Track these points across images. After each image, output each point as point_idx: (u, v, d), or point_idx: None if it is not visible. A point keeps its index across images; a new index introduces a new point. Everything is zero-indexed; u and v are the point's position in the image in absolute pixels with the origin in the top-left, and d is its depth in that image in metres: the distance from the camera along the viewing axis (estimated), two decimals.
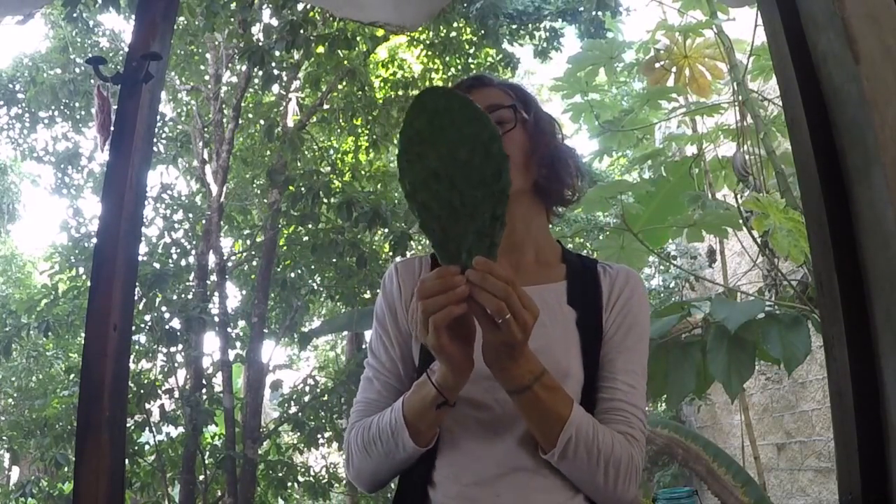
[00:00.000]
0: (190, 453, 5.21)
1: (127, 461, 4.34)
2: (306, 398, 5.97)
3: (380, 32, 5.40)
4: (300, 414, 5.83)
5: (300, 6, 4.94)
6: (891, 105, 0.99)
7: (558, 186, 1.19)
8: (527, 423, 1.02)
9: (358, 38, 5.57)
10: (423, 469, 1.08)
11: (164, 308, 5.33)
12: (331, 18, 5.29)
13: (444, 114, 0.90)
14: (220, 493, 5.58)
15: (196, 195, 6.58)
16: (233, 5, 5.07)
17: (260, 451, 5.67)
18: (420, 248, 6.53)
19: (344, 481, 6.22)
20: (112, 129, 1.48)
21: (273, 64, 5.19)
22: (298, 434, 5.88)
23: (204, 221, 5.87)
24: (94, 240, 2.36)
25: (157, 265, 5.36)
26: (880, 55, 1.01)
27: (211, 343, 8.32)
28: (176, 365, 5.56)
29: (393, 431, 1.05)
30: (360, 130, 6.34)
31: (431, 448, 1.07)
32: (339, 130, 6.62)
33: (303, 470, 5.94)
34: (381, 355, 1.17)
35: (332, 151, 6.95)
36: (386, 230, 5.52)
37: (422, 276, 1.14)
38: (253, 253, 6.50)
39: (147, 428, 5.25)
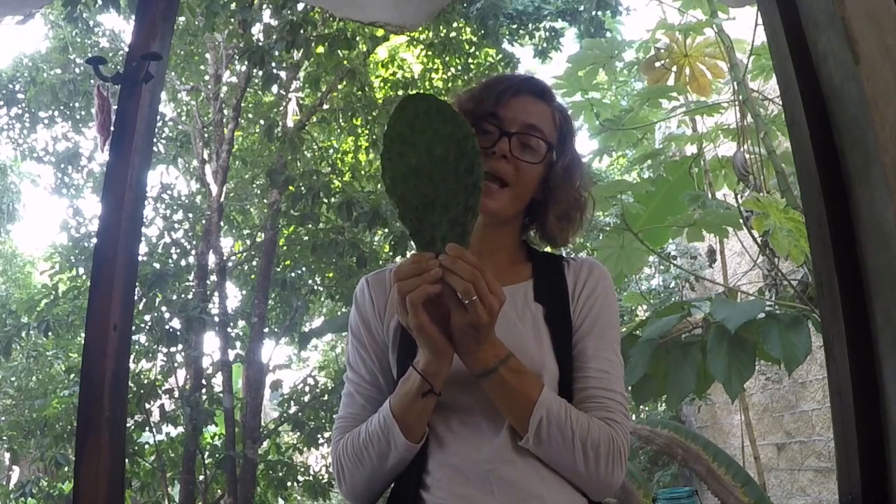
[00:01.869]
0: (190, 453, 5.22)
1: (127, 461, 4.34)
2: (306, 398, 5.97)
3: (380, 32, 5.39)
4: (300, 414, 5.83)
5: (300, 6, 4.94)
6: (891, 105, 0.99)
7: (560, 234, 1.22)
8: (500, 409, 1.04)
9: (358, 38, 5.56)
10: (415, 474, 1.08)
11: (164, 308, 5.32)
12: (331, 18, 5.29)
13: (423, 117, 0.97)
14: (220, 493, 5.58)
15: (196, 195, 6.58)
16: (233, 5, 5.06)
17: (260, 451, 5.67)
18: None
19: None
20: (112, 129, 1.48)
21: (273, 64, 5.19)
22: (298, 434, 5.88)
23: (204, 221, 5.87)
24: (94, 240, 2.36)
25: (157, 265, 5.35)
26: (880, 55, 1.01)
27: (211, 343, 8.31)
28: (176, 365, 5.56)
29: (383, 431, 1.05)
30: (360, 130, 6.34)
31: (422, 453, 1.08)
32: (339, 130, 6.62)
33: (303, 470, 5.94)
34: (359, 369, 1.18)
35: (332, 151, 6.95)
36: (386, 230, 5.52)
37: None
38: (253, 253, 6.51)
39: (147, 428, 5.25)
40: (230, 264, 6.32)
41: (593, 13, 6.32)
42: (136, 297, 2.11)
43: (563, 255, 1.26)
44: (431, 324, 0.97)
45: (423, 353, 1.01)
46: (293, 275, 6.09)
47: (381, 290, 1.20)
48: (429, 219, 0.97)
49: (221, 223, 5.98)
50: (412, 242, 0.99)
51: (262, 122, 6.17)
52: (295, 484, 5.84)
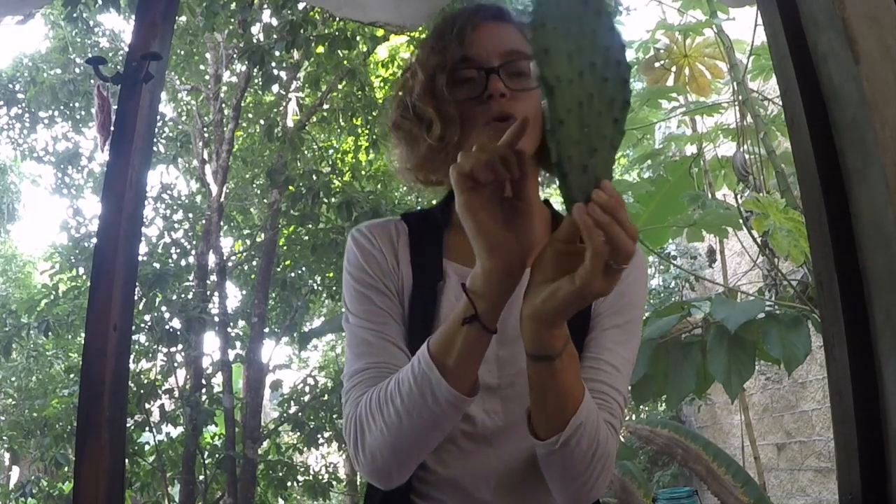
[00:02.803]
0: (190, 453, 5.22)
1: (127, 461, 4.34)
2: (306, 398, 5.98)
3: (380, 32, 5.39)
4: (300, 414, 5.83)
5: (300, 6, 4.94)
6: (891, 105, 0.99)
7: None
8: (537, 401, 0.83)
9: (358, 38, 5.57)
10: (409, 481, 0.93)
11: (164, 308, 5.33)
12: (331, 18, 5.29)
13: (579, 8, 0.73)
14: (220, 493, 5.59)
15: (196, 195, 6.59)
16: (233, 5, 5.07)
17: (260, 451, 5.68)
18: None
19: (344, 482, 6.21)
20: (112, 129, 1.48)
21: (273, 64, 5.19)
22: (298, 434, 5.88)
23: (204, 221, 5.88)
24: (94, 240, 2.37)
25: (157, 265, 5.36)
26: (880, 55, 1.01)
27: (211, 343, 8.32)
28: (176, 365, 5.57)
29: (417, 377, 0.81)
30: (360, 130, 6.34)
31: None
32: (339, 130, 6.63)
33: (303, 470, 5.95)
34: (374, 315, 0.94)
35: (332, 151, 6.95)
36: None
37: (401, 242, 0.99)
38: (253, 253, 6.51)
39: (147, 428, 5.26)
40: (230, 264, 6.32)
41: None
42: (136, 297, 2.11)
43: None
44: (485, 207, 0.76)
45: (478, 262, 0.78)
46: (293, 275, 6.10)
47: (388, 243, 1.00)
48: (580, 131, 0.71)
49: (221, 223, 5.99)
50: (554, 151, 0.71)
51: (262, 122, 6.18)
52: (295, 484, 5.84)
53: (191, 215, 5.97)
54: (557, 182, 0.71)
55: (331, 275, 6.07)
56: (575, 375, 0.83)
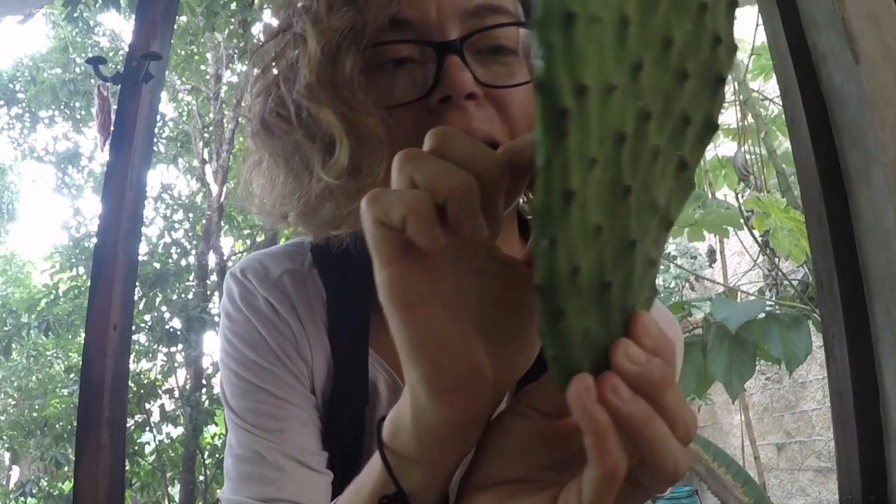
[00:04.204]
0: (190, 453, 5.22)
1: (127, 461, 4.35)
2: None
3: None
4: None
5: None
6: (891, 105, 0.99)
7: None
8: None
9: None
10: None
11: (164, 308, 5.34)
12: None
13: None
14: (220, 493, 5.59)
15: (196, 195, 6.59)
16: (233, 5, 5.07)
17: None
18: None
19: None
20: (112, 129, 1.49)
21: None
22: None
23: (204, 221, 5.89)
24: (94, 240, 2.37)
25: (157, 265, 5.37)
26: (880, 55, 1.02)
27: (211, 343, 8.32)
28: (176, 365, 5.58)
29: None
30: None
31: None
32: None
33: None
34: (267, 411, 0.58)
35: None
36: None
37: (314, 309, 0.64)
38: None
39: (147, 428, 5.26)
40: (230, 264, 6.33)
41: None
42: (136, 297, 2.11)
43: None
44: (435, 292, 0.35)
45: (408, 400, 0.38)
46: None
47: (284, 301, 0.64)
48: (595, 220, 0.31)
49: (221, 223, 5.99)
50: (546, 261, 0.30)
51: None
52: None
53: (191, 215, 5.98)
54: (541, 314, 0.32)
55: None
56: None
